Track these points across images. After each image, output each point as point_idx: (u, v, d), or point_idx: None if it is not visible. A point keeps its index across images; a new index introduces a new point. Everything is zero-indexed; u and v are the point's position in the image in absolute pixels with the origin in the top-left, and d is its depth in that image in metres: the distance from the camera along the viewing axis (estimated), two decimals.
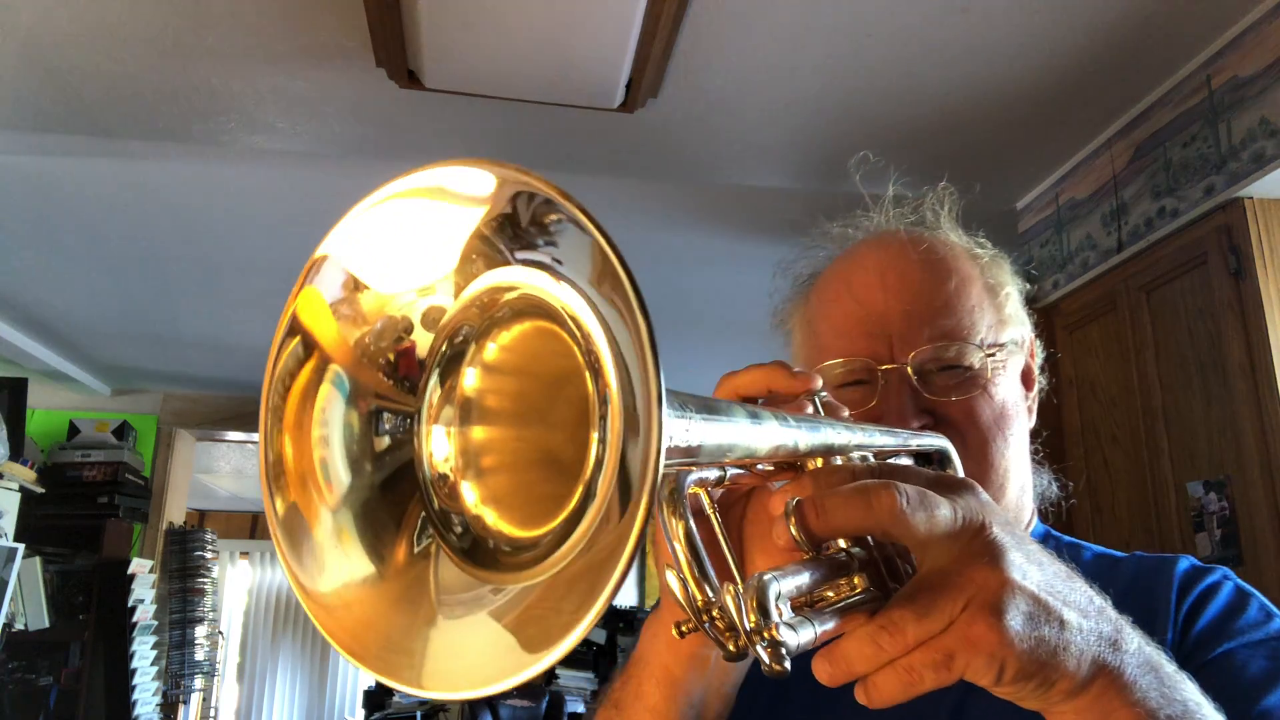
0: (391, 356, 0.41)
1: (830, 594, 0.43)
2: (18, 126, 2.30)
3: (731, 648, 0.37)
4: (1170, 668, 0.47)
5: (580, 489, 0.36)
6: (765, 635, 0.37)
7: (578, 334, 0.37)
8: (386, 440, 0.41)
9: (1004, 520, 0.45)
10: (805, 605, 0.42)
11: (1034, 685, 0.43)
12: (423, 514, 0.41)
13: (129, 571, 4.35)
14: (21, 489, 3.78)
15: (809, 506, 0.43)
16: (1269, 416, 1.80)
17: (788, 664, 0.37)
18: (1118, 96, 2.18)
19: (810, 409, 0.55)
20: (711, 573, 0.39)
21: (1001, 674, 0.41)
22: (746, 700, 0.63)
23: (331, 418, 0.41)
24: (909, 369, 0.76)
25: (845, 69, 2.06)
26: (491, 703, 6.00)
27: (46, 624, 3.99)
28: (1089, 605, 0.46)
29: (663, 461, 0.29)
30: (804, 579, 0.41)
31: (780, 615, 0.37)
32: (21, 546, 3.64)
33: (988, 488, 0.75)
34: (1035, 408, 0.86)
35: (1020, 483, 0.81)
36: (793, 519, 0.43)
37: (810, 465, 0.49)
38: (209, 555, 5.16)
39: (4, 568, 3.54)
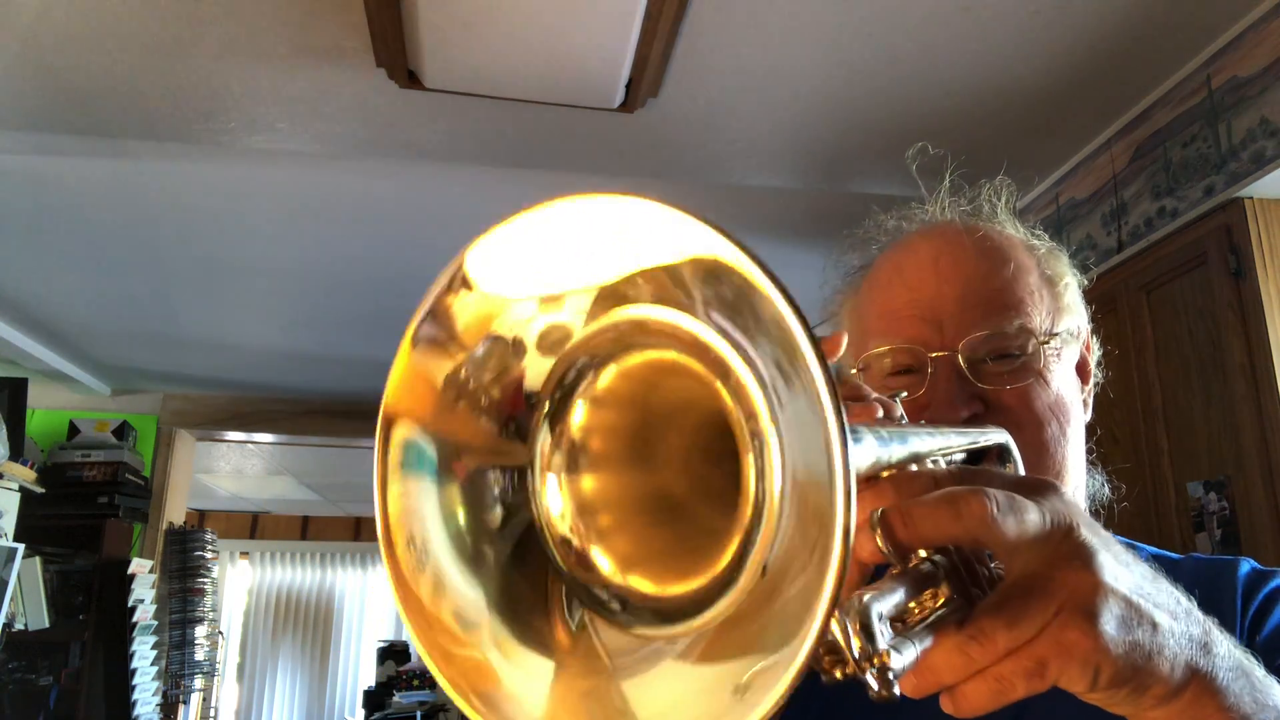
0: (495, 393, 0.35)
1: (915, 608, 0.41)
2: (18, 126, 2.30)
3: (837, 674, 0.35)
4: (1260, 671, 0.46)
5: (739, 526, 0.33)
6: (875, 662, 0.35)
7: (711, 361, 0.32)
8: (499, 511, 0.35)
9: (1089, 521, 0.44)
10: (897, 621, 0.40)
11: (1127, 691, 0.42)
12: (564, 586, 0.36)
13: (129, 571, 4.36)
14: (21, 489, 3.78)
15: (895, 517, 0.41)
16: (1269, 416, 1.80)
17: (897, 690, 0.35)
18: (1118, 96, 2.18)
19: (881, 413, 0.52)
20: None
21: (1096, 680, 0.40)
22: (796, 709, 0.61)
23: (422, 515, 0.34)
24: (959, 356, 0.73)
25: (845, 69, 2.06)
26: None
27: (46, 624, 3.99)
28: (1177, 607, 0.45)
29: (854, 477, 0.27)
30: (899, 596, 0.39)
31: (884, 638, 0.36)
32: (21, 546, 3.64)
33: (1045, 475, 0.74)
34: (1091, 402, 0.83)
35: (1077, 479, 0.78)
36: (878, 530, 0.41)
37: (885, 472, 0.46)
38: (209, 555, 5.16)
39: (4, 568, 3.54)
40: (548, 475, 0.36)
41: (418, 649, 0.34)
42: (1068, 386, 0.78)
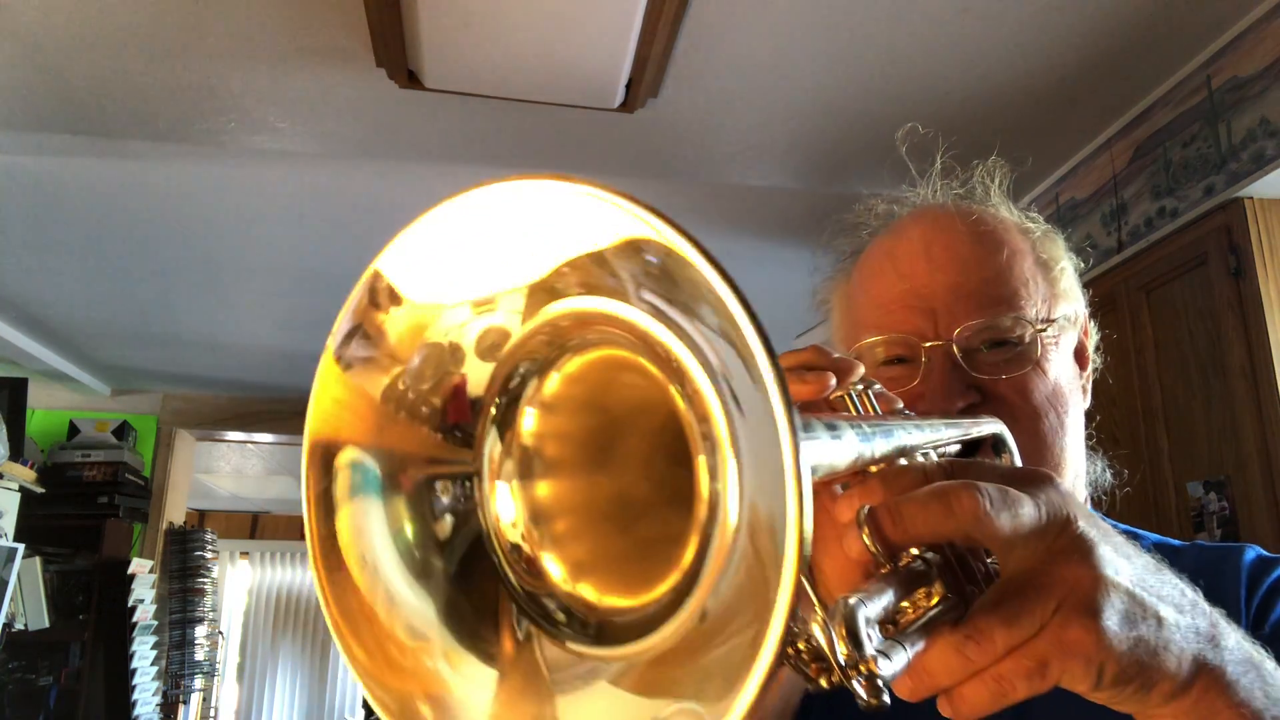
0: (437, 401, 0.34)
1: (908, 608, 0.40)
2: (18, 126, 2.30)
3: (823, 683, 0.34)
4: (1270, 664, 0.45)
5: (695, 535, 0.31)
6: (862, 669, 0.33)
7: (662, 359, 0.31)
8: (449, 520, 0.34)
9: (1087, 513, 0.43)
10: (888, 623, 0.38)
11: (1134, 688, 0.40)
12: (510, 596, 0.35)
13: (129, 571, 4.36)
14: (21, 489, 3.78)
15: (884, 514, 0.39)
16: (1269, 416, 1.80)
17: (886, 697, 0.34)
18: (1118, 96, 2.18)
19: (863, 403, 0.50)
20: None
21: (1100, 678, 0.39)
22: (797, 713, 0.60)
23: (370, 533, 0.33)
24: (954, 346, 0.71)
25: (845, 69, 2.06)
26: None
27: (46, 624, 3.99)
28: (1182, 599, 0.43)
29: (808, 488, 0.25)
30: (888, 598, 0.37)
31: (872, 643, 0.34)
32: (21, 546, 3.64)
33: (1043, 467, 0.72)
34: (1090, 388, 0.81)
35: (1076, 468, 0.76)
36: (866, 528, 0.39)
37: (873, 468, 0.44)
38: (209, 555, 5.16)
39: (4, 568, 3.54)
40: (497, 482, 0.34)
41: (354, 669, 0.33)
42: (1066, 374, 0.76)
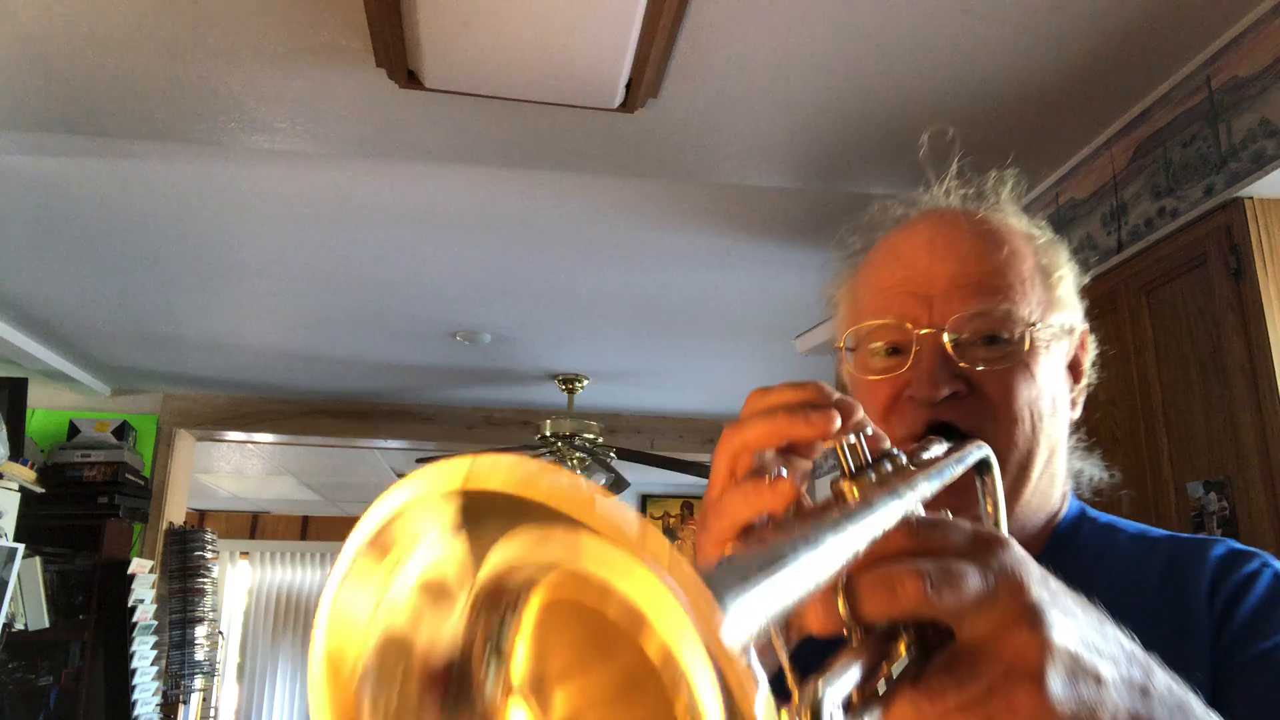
0: (415, 695, 0.32)
1: (883, 666, 0.43)
2: (18, 126, 2.30)
3: None
4: (1199, 708, 0.48)
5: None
6: None
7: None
8: None
9: (1039, 576, 0.45)
10: (857, 688, 0.41)
11: None
12: None
13: (129, 571, 4.36)
14: (21, 489, 3.78)
15: (844, 594, 0.42)
16: (1269, 417, 1.80)
17: None
18: (1118, 96, 2.18)
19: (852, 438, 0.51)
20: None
21: None
22: None
23: None
24: (945, 335, 0.74)
25: (846, 69, 2.06)
26: None
27: (46, 624, 3.99)
28: (1120, 653, 0.46)
29: (755, 684, 0.26)
30: (855, 671, 0.40)
31: None
32: (21, 546, 3.64)
33: (1009, 468, 0.74)
34: (1081, 401, 0.84)
35: (1049, 470, 0.79)
36: (840, 598, 0.42)
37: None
38: (209, 555, 5.16)
39: (4, 568, 3.54)
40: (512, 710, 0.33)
41: None
42: (1052, 382, 0.78)
